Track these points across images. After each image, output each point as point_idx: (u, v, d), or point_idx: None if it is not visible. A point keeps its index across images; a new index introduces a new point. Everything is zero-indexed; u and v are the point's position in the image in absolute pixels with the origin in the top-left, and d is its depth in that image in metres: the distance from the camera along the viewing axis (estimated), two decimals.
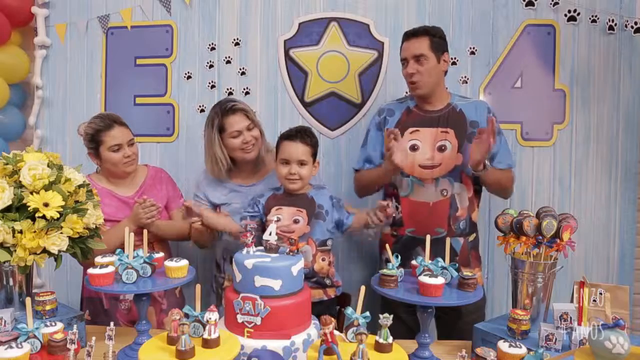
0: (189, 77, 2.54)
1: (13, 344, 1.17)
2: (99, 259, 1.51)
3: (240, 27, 2.51)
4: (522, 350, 1.25)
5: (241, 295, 1.35)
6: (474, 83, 2.41)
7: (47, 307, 1.48)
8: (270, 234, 1.45)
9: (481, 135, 1.75)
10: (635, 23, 2.33)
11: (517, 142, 2.41)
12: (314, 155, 1.90)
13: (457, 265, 1.54)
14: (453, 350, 1.49)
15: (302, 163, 1.84)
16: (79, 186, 1.56)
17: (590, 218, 2.41)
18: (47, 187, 1.46)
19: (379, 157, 2.03)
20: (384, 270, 1.49)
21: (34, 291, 1.59)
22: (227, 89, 2.51)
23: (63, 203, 1.45)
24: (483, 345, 1.33)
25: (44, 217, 1.43)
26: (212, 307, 1.25)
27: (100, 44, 2.59)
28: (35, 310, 1.44)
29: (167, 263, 1.50)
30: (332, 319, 1.21)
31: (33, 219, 1.43)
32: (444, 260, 1.55)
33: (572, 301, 1.48)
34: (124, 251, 1.51)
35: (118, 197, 1.99)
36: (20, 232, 1.41)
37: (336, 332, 1.22)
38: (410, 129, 1.96)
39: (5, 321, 1.37)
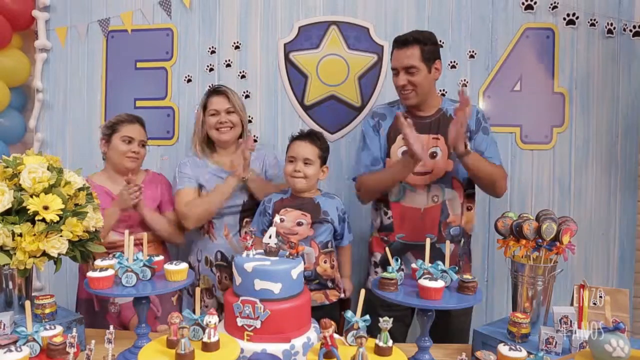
0: (189, 81, 2.55)
1: (12, 348, 1.17)
2: (98, 262, 1.51)
3: (240, 30, 2.51)
4: (522, 354, 1.25)
5: (241, 298, 1.35)
6: (474, 86, 2.42)
7: (47, 311, 1.47)
8: (270, 237, 1.45)
9: (457, 113, 1.73)
10: (634, 27, 2.34)
11: (516, 145, 2.41)
12: (323, 158, 1.94)
13: (456, 268, 1.54)
14: (453, 354, 1.48)
15: (307, 162, 1.88)
16: (79, 189, 1.56)
17: (590, 221, 2.41)
18: (47, 190, 1.46)
19: (384, 157, 2.02)
20: (384, 274, 1.49)
21: (33, 294, 1.59)
22: None
23: (63, 206, 1.45)
24: (483, 349, 1.32)
25: (43, 220, 1.42)
26: (212, 311, 1.25)
27: (100, 48, 2.59)
28: (34, 314, 1.44)
29: (167, 266, 1.50)
30: (332, 322, 1.21)
31: (33, 222, 1.43)
32: (443, 264, 1.55)
33: (572, 304, 1.48)
34: (123, 254, 1.51)
35: (113, 197, 2.01)
36: (20, 235, 1.41)
37: (336, 336, 1.22)
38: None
39: (4, 324, 1.36)
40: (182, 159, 2.19)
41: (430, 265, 1.53)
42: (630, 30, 2.35)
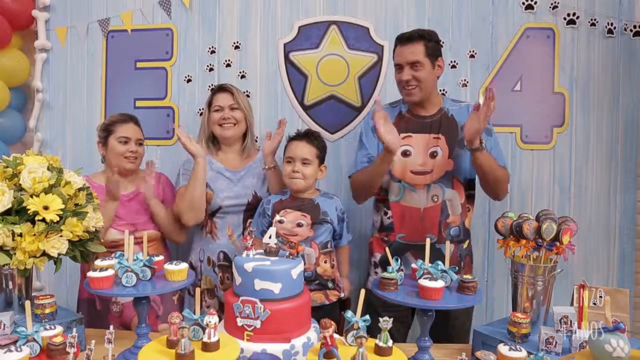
0: (189, 81, 2.55)
1: (12, 348, 1.17)
2: (98, 262, 1.51)
3: (240, 30, 2.51)
4: (522, 354, 1.25)
5: (241, 298, 1.35)
6: (474, 86, 2.41)
7: (47, 311, 1.47)
8: (270, 237, 1.45)
9: (477, 110, 1.73)
10: (634, 26, 2.34)
11: (516, 145, 2.41)
12: (320, 158, 1.95)
13: (456, 268, 1.54)
14: (453, 354, 1.48)
15: (305, 162, 1.88)
16: (79, 189, 1.56)
17: (590, 221, 2.41)
18: (47, 190, 1.46)
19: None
20: (384, 274, 1.49)
21: (33, 294, 1.59)
22: None
23: (63, 206, 1.45)
24: (483, 349, 1.33)
25: (43, 220, 1.42)
26: (212, 311, 1.25)
27: (100, 48, 2.59)
28: (34, 314, 1.44)
29: (167, 266, 1.50)
30: (332, 322, 1.21)
31: (33, 222, 1.43)
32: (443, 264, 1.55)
33: (572, 304, 1.48)
34: (123, 254, 1.51)
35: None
36: (20, 235, 1.41)
37: (336, 336, 1.22)
38: (403, 135, 1.93)
39: (4, 324, 1.36)
40: (183, 157, 2.18)
41: (430, 265, 1.53)
42: (631, 30, 2.35)
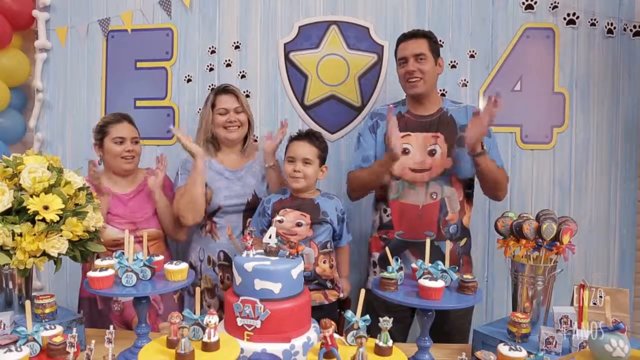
0: (189, 80, 2.55)
1: (12, 347, 1.17)
2: (98, 262, 1.51)
3: (240, 30, 2.51)
4: (523, 354, 1.25)
5: (241, 298, 1.35)
6: (474, 86, 2.41)
7: (47, 310, 1.47)
8: (270, 237, 1.45)
9: (478, 115, 1.76)
10: (634, 26, 2.34)
11: (516, 145, 2.41)
12: (322, 158, 1.95)
13: (456, 268, 1.54)
14: (453, 354, 1.48)
15: (306, 162, 1.89)
16: (79, 189, 1.56)
17: (590, 221, 2.41)
18: (47, 190, 1.46)
19: (375, 155, 2.03)
20: (384, 274, 1.49)
21: (33, 294, 1.59)
22: None
23: (63, 206, 1.45)
24: (483, 349, 1.32)
25: (43, 220, 1.43)
26: (212, 311, 1.25)
27: (100, 47, 2.59)
28: (34, 314, 1.44)
29: (167, 266, 1.50)
30: (332, 322, 1.21)
31: (33, 222, 1.43)
32: (443, 264, 1.55)
33: (572, 304, 1.48)
34: (123, 254, 1.51)
35: (114, 194, 2.01)
36: (20, 235, 1.41)
37: (336, 336, 1.22)
38: (402, 133, 1.94)
39: (4, 324, 1.37)
40: (183, 157, 2.18)
41: (430, 265, 1.53)
42: (631, 30, 2.35)
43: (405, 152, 1.95)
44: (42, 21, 2.56)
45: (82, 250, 1.56)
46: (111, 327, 1.27)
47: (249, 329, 1.33)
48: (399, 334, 1.96)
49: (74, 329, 1.26)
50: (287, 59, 2.49)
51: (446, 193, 1.96)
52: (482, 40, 2.41)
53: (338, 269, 2.01)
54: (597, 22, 2.35)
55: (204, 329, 1.23)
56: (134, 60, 2.57)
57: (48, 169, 1.51)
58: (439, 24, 2.39)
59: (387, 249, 1.62)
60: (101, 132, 2.02)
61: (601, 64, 2.38)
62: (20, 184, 1.46)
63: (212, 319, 1.21)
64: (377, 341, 1.24)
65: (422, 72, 1.92)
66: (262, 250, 1.48)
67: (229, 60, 2.51)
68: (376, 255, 2.05)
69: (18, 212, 1.44)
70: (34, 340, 1.26)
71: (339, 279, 2.01)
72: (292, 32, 2.49)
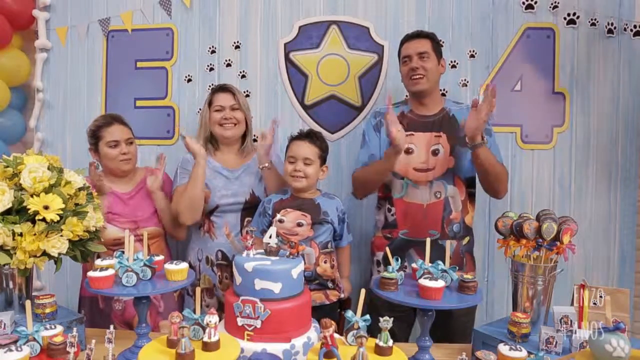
0: (189, 80, 2.55)
1: (12, 347, 1.17)
2: (98, 262, 1.51)
3: (240, 30, 2.51)
4: (523, 354, 1.25)
5: (241, 298, 1.35)
6: (474, 86, 2.41)
7: (47, 310, 1.47)
8: (270, 237, 1.45)
9: (477, 106, 1.77)
10: (635, 26, 2.34)
11: (516, 145, 2.41)
12: (322, 158, 1.96)
13: (457, 268, 1.54)
14: (453, 354, 1.48)
15: (307, 162, 1.89)
16: (79, 189, 1.56)
17: (591, 221, 2.41)
18: (48, 190, 1.46)
19: (380, 154, 2.03)
20: (384, 274, 1.49)
21: (33, 294, 1.59)
22: None
23: (63, 206, 1.45)
24: (483, 349, 1.32)
25: (44, 219, 1.43)
26: (212, 310, 1.25)
27: (100, 47, 2.59)
28: (35, 313, 1.44)
29: (167, 266, 1.50)
30: (332, 322, 1.21)
31: (33, 222, 1.43)
32: (444, 263, 1.55)
33: (572, 304, 1.48)
34: (123, 253, 1.51)
35: (113, 192, 2.01)
36: (20, 234, 1.41)
37: (336, 335, 1.22)
38: (405, 133, 1.95)
39: (4, 324, 1.37)
40: (185, 155, 2.18)
41: (430, 265, 1.53)
42: (631, 30, 2.34)
43: (409, 151, 1.97)
44: (42, 21, 2.56)
45: (83, 250, 1.56)
46: (111, 326, 1.27)
47: (249, 329, 1.33)
48: (402, 334, 1.96)
49: (74, 329, 1.26)
50: (287, 59, 2.49)
51: (449, 192, 1.97)
52: (482, 40, 2.41)
53: (339, 269, 2.01)
54: (597, 21, 2.35)
55: (204, 328, 1.23)
56: (134, 60, 2.57)
57: (48, 168, 1.51)
58: (439, 23, 2.39)
59: (387, 248, 1.62)
60: (95, 137, 2.02)
61: (601, 64, 2.38)
62: (20, 184, 1.46)
63: (213, 318, 1.21)
64: (377, 341, 1.24)
65: (425, 70, 1.95)
66: (262, 250, 1.48)
67: (229, 60, 2.51)
68: (380, 254, 2.05)
69: (18, 211, 1.44)
70: (34, 340, 1.26)
71: (340, 279, 2.01)
72: (292, 32, 2.48)
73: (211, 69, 2.53)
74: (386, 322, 1.23)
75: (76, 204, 1.54)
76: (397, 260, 1.55)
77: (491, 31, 2.41)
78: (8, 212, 1.43)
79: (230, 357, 1.19)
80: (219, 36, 2.53)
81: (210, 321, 1.20)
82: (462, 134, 1.91)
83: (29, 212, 1.42)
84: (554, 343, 1.32)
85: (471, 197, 2.05)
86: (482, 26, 2.41)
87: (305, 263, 1.60)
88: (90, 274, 1.44)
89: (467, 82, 2.41)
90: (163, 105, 2.56)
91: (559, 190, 2.42)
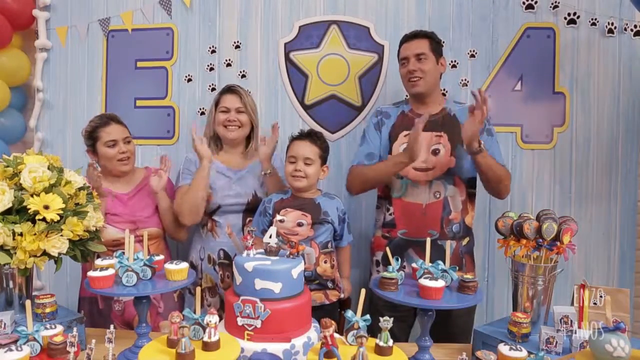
0: (189, 80, 2.55)
1: (13, 347, 1.17)
2: (99, 262, 1.51)
3: (240, 30, 2.51)
4: (523, 354, 1.25)
5: (241, 298, 1.34)
6: (474, 86, 2.41)
7: (47, 310, 1.47)
8: (270, 237, 1.45)
9: (472, 112, 1.77)
10: (635, 26, 2.34)
11: (517, 145, 2.41)
12: (323, 158, 1.95)
13: (457, 268, 1.54)
14: (453, 354, 1.48)
15: (308, 161, 1.88)
16: (79, 189, 1.56)
17: (591, 221, 2.41)
18: (48, 190, 1.46)
19: (379, 154, 2.05)
20: (385, 273, 1.49)
21: (33, 294, 1.59)
22: None
23: (63, 206, 1.45)
24: (483, 349, 1.32)
25: (44, 219, 1.43)
26: (212, 310, 1.25)
27: (100, 47, 2.59)
28: (35, 313, 1.44)
29: (167, 266, 1.50)
30: (332, 321, 1.21)
31: (33, 222, 1.43)
32: (443, 263, 1.55)
33: (572, 304, 1.48)
34: (123, 254, 1.51)
35: (112, 193, 2.01)
36: (21, 234, 1.41)
37: (336, 335, 1.22)
38: (405, 132, 1.97)
39: (5, 324, 1.37)
40: (183, 156, 2.18)
41: (430, 264, 1.53)
42: (631, 30, 2.34)
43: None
44: (43, 21, 2.56)
45: (83, 249, 1.56)
46: (111, 326, 1.27)
47: (250, 329, 1.33)
48: (402, 333, 1.96)
49: (75, 329, 1.26)
50: (288, 59, 2.49)
51: (449, 192, 1.97)
52: (482, 40, 2.41)
53: (339, 269, 2.01)
54: (597, 21, 2.35)
55: (204, 328, 1.23)
56: (134, 60, 2.57)
57: (48, 168, 1.51)
58: (439, 23, 2.39)
59: (387, 248, 1.62)
60: (91, 138, 2.01)
61: (602, 64, 2.38)
62: (20, 184, 1.46)
63: (213, 318, 1.21)
64: (377, 341, 1.24)
65: (422, 72, 1.95)
66: (262, 250, 1.48)
67: (230, 60, 2.51)
68: (379, 254, 2.05)
69: (18, 211, 1.44)
70: (35, 339, 1.26)
71: (340, 279, 2.01)
72: (292, 32, 2.48)
73: (211, 69, 2.53)
74: (386, 322, 1.23)
75: (76, 204, 1.54)
76: (397, 260, 1.55)
77: (491, 31, 2.41)
78: (8, 211, 1.43)
79: (230, 357, 1.19)
80: (219, 36, 2.53)
81: (210, 321, 1.20)
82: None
83: (29, 211, 1.42)
84: (554, 343, 1.32)
85: (471, 197, 2.04)
86: (482, 26, 2.41)
87: (305, 263, 1.60)
88: (91, 273, 1.44)
89: (467, 82, 2.41)
90: (163, 105, 2.56)
91: (559, 190, 2.42)
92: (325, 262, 1.90)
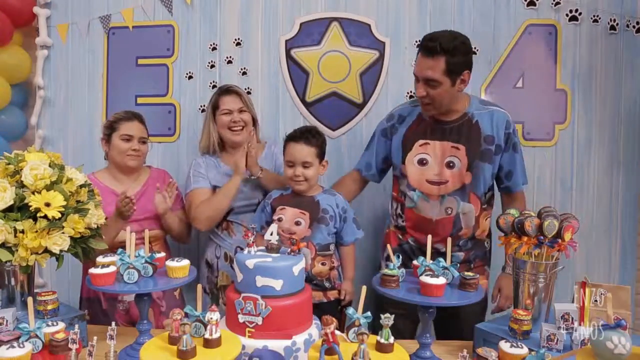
0: (190, 77, 2.54)
1: (15, 344, 1.18)
2: (100, 259, 1.51)
3: (241, 27, 2.51)
4: (524, 351, 1.25)
5: (242, 295, 1.35)
6: (476, 83, 2.40)
7: (49, 307, 1.48)
8: (271, 234, 1.45)
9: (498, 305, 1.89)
10: (637, 23, 2.33)
11: None
12: (320, 155, 1.91)
13: (457, 265, 1.54)
14: (454, 351, 1.48)
15: (306, 164, 1.86)
16: (81, 186, 1.56)
17: (592, 218, 2.41)
18: (49, 187, 1.46)
19: (379, 164, 2.03)
20: (385, 271, 1.49)
21: (35, 291, 1.59)
22: None
23: (64, 203, 1.46)
24: (484, 346, 1.33)
25: (45, 217, 1.43)
26: (213, 307, 1.25)
27: (101, 44, 2.59)
28: (36, 310, 1.44)
29: (169, 263, 1.50)
30: (334, 319, 1.21)
31: (35, 219, 1.43)
32: (445, 261, 1.55)
33: (573, 301, 1.48)
34: (125, 251, 1.52)
35: (117, 194, 1.98)
36: (22, 232, 1.41)
37: (337, 332, 1.22)
38: (421, 142, 1.87)
39: (7, 321, 1.37)
40: (197, 157, 2.17)
41: (431, 262, 1.53)
42: (634, 27, 2.33)
43: (423, 162, 1.87)
44: (43, 18, 2.56)
45: (84, 247, 1.56)
46: (113, 323, 1.27)
47: (251, 326, 1.33)
48: (407, 331, 1.94)
49: (76, 326, 1.27)
50: (289, 56, 2.48)
51: (462, 209, 1.85)
52: (484, 37, 2.40)
53: (342, 270, 1.97)
54: (599, 18, 2.34)
55: (205, 325, 1.23)
56: (135, 57, 2.57)
57: (50, 166, 1.51)
58: (440, 20, 2.38)
59: (388, 246, 1.62)
60: (110, 128, 2.02)
61: (603, 61, 2.37)
62: (21, 181, 1.46)
63: (214, 315, 1.21)
64: (378, 338, 1.24)
65: (431, 98, 1.78)
66: (263, 247, 1.48)
67: (230, 57, 2.51)
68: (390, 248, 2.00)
69: (20, 209, 1.44)
70: (37, 336, 1.26)
71: (342, 280, 1.97)
72: (293, 29, 2.48)
73: (212, 66, 2.53)
74: (387, 319, 1.23)
75: (77, 201, 1.54)
76: (397, 257, 1.55)
77: (493, 28, 2.40)
78: (10, 209, 1.43)
79: (231, 354, 1.19)
80: (219, 33, 2.52)
81: (211, 318, 1.21)
82: (484, 147, 1.83)
83: (30, 209, 1.42)
84: (555, 340, 1.32)
85: (486, 210, 1.94)
86: (483, 23, 2.40)
87: None
88: (92, 270, 1.44)
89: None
90: (164, 102, 2.56)
91: (560, 187, 2.42)
92: (324, 264, 1.88)
